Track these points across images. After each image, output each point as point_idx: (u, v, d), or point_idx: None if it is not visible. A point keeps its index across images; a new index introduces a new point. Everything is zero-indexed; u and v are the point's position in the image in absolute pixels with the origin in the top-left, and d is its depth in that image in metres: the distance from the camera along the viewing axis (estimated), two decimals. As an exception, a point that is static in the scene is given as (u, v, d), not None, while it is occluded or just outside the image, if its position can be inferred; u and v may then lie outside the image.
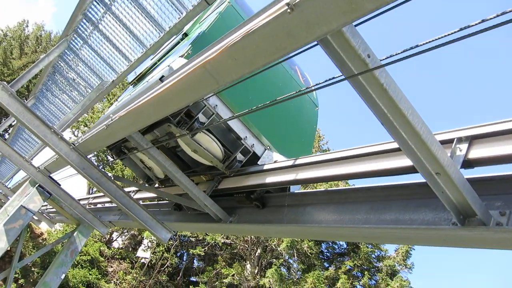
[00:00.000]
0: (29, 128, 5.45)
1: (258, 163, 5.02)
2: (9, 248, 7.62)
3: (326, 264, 23.89)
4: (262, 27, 2.10)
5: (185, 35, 6.30)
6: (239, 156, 4.98)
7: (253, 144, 5.02)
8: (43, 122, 5.52)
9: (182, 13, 4.57)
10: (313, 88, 2.66)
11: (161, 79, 3.90)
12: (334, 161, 3.74)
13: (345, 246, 23.89)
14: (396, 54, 2.15)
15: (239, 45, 2.34)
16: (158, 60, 6.90)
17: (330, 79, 2.41)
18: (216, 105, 4.64)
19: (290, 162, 4.20)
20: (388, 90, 2.17)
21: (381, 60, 2.16)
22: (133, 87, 7.35)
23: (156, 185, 7.22)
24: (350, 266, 21.94)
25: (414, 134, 2.33)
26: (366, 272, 21.21)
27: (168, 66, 4.43)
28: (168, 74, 3.59)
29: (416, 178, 3.21)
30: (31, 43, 34.88)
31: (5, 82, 5.34)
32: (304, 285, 19.25)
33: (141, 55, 5.59)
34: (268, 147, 5.15)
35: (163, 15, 4.90)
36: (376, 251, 22.42)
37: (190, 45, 4.85)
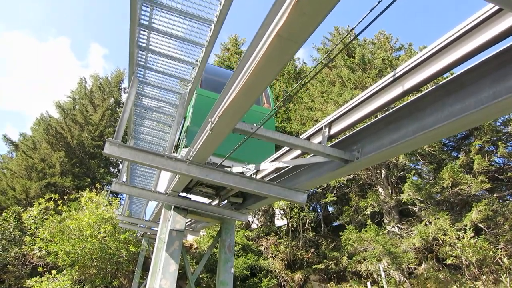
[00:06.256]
0: (146, 164, 5.99)
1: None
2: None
3: (454, 154, 22.92)
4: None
5: (184, 118, 9.03)
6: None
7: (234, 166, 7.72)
8: (155, 154, 6.02)
9: (221, -2, 4.62)
10: None
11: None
12: (436, 54, 3.58)
13: (464, 128, 22.55)
14: None
15: (304, -2, 2.34)
16: (180, 135, 9.83)
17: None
18: (210, 158, 7.67)
19: (390, 79, 4.09)
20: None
21: None
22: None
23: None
24: (479, 144, 20.71)
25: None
26: (499, 143, 19.90)
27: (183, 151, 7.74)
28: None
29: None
30: (97, 95, 37.53)
31: (110, 138, 5.90)
32: (443, 182, 18.65)
33: (203, 54, 5.76)
34: (246, 163, 7.69)
35: (204, 9, 4.98)
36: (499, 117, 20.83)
37: (184, 138, 7.96)
